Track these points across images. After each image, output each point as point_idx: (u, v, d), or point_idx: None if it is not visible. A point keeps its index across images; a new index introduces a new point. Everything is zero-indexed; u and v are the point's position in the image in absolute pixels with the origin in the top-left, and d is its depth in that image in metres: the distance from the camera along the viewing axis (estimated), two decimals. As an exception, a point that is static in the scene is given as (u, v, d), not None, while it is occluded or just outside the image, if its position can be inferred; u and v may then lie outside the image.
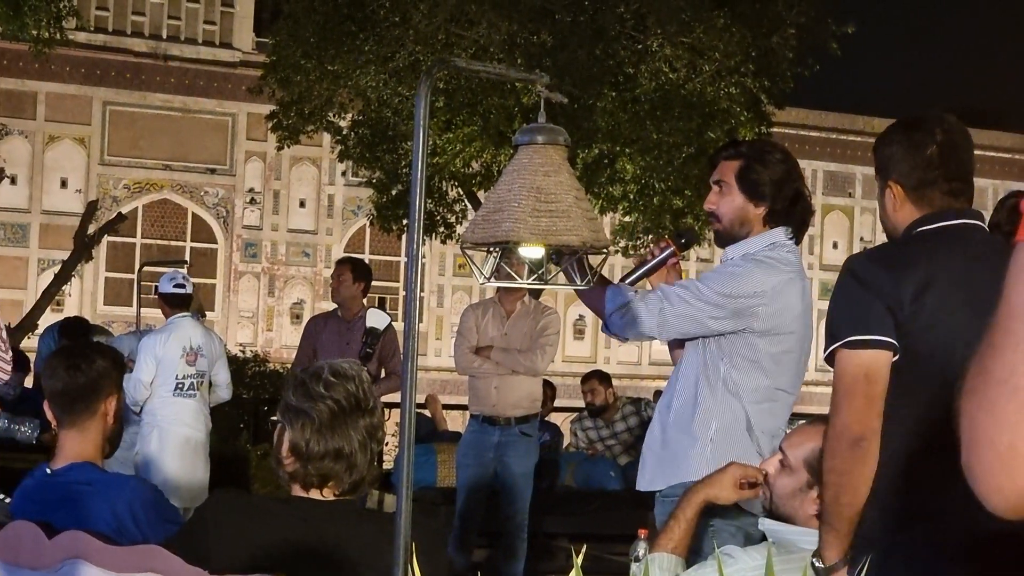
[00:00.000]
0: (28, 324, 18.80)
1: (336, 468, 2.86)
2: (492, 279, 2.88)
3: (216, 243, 30.47)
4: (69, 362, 3.44)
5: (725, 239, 3.92)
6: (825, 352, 2.96)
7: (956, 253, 2.95)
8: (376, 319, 7.69)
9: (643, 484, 3.98)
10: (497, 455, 7.38)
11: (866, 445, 2.83)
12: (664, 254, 3.88)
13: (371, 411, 2.90)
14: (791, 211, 3.88)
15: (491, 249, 2.83)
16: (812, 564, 2.93)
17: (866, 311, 2.86)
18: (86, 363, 3.41)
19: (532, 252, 2.80)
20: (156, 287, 8.25)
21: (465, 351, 7.53)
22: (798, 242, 3.95)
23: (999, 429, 1.02)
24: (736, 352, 3.82)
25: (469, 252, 2.90)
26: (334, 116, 18.17)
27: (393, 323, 7.68)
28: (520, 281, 2.94)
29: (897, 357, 2.87)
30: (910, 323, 2.84)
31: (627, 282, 3.91)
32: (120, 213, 24.04)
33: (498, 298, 7.65)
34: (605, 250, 3.05)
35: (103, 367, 3.42)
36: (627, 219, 18.23)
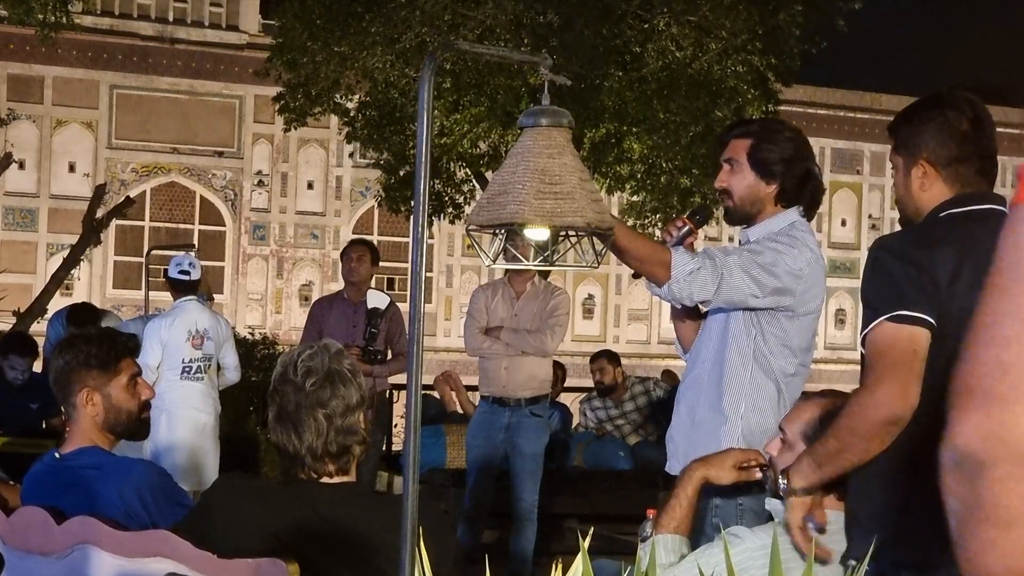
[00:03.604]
0: (37, 308, 18.77)
1: (287, 447, 2.88)
2: (498, 261, 2.88)
3: (224, 226, 30.45)
4: (51, 356, 3.54)
5: (736, 217, 3.93)
6: (863, 330, 2.84)
7: (984, 239, 2.90)
8: (376, 300, 7.69)
9: (677, 468, 3.86)
10: (507, 436, 7.37)
11: (899, 428, 2.76)
12: (682, 233, 3.87)
13: (331, 390, 2.88)
14: (802, 189, 3.89)
15: (497, 231, 2.83)
16: (777, 481, 2.95)
17: (908, 287, 2.79)
18: (54, 359, 3.49)
19: (537, 234, 2.80)
20: (165, 271, 8.29)
21: (475, 332, 7.52)
22: (809, 220, 3.96)
23: (979, 372, 1.00)
24: (766, 331, 3.83)
25: (475, 234, 2.90)
26: (341, 98, 18.14)
27: (399, 304, 7.67)
28: (525, 262, 2.94)
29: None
30: (947, 304, 2.79)
31: None
32: (128, 197, 24.00)
33: (507, 279, 7.64)
34: (610, 231, 3.05)
35: (64, 363, 3.45)
36: (634, 199, 18.22)
